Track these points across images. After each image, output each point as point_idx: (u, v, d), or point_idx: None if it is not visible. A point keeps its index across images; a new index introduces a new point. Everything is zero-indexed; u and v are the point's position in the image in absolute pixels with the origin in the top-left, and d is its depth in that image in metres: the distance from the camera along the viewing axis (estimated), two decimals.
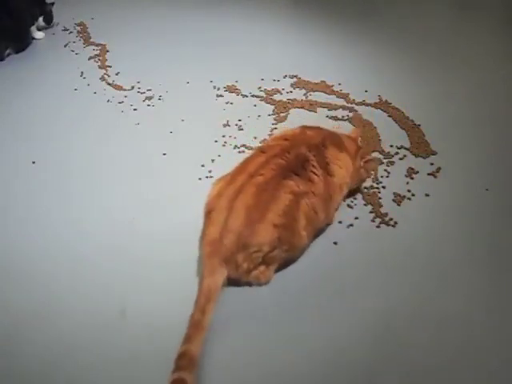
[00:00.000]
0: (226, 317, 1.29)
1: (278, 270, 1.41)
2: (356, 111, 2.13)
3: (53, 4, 2.86)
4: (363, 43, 2.72)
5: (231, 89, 2.30)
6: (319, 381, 1.18)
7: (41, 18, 2.81)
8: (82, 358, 1.23)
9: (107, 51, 2.66)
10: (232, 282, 1.33)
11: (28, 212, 1.66)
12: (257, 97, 2.24)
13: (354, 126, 2.01)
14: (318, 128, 1.61)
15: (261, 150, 1.52)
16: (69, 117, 2.15)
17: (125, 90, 2.32)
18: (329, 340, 1.26)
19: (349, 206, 1.65)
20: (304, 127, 1.61)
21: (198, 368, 1.13)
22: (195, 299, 1.23)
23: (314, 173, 1.44)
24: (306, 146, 1.48)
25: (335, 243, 1.52)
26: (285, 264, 1.42)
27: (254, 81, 2.35)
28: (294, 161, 1.44)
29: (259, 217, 1.33)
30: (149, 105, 2.21)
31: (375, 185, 1.74)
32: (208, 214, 1.38)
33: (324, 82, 2.35)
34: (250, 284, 1.37)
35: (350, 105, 2.18)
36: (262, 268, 1.36)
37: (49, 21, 2.86)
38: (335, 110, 2.14)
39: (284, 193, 1.37)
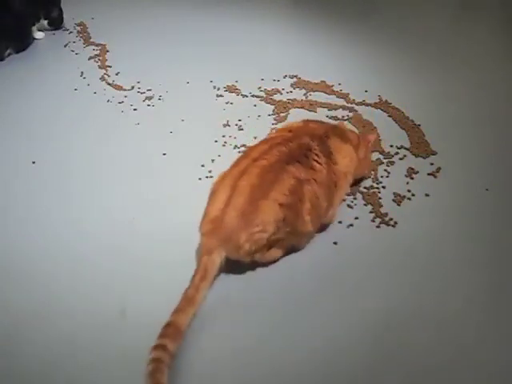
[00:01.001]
0: (226, 316, 1.29)
1: (282, 256, 1.41)
2: (356, 111, 2.13)
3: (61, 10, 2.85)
4: (363, 43, 2.72)
5: (231, 89, 2.30)
6: (319, 381, 1.18)
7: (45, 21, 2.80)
8: (82, 358, 1.23)
9: (107, 51, 2.66)
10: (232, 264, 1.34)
11: (28, 212, 1.66)
12: (257, 97, 2.24)
13: (354, 126, 2.01)
14: (321, 121, 1.64)
15: (264, 141, 1.53)
16: (69, 117, 2.14)
17: (125, 90, 2.31)
18: (329, 340, 1.26)
19: (349, 206, 1.65)
20: (307, 120, 1.63)
21: (182, 340, 1.16)
22: (192, 276, 1.25)
23: (317, 161, 1.44)
24: (309, 136, 1.49)
25: (335, 243, 1.52)
26: (288, 251, 1.42)
27: (254, 81, 2.35)
28: (296, 149, 1.44)
29: (263, 194, 1.33)
30: (149, 105, 2.21)
31: (375, 185, 1.74)
32: (212, 194, 1.39)
33: (324, 81, 2.34)
34: (253, 265, 1.37)
35: (350, 105, 2.18)
36: (265, 251, 1.36)
37: (58, 24, 2.86)
38: (335, 110, 2.14)
39: (287, 177, 1.38)
